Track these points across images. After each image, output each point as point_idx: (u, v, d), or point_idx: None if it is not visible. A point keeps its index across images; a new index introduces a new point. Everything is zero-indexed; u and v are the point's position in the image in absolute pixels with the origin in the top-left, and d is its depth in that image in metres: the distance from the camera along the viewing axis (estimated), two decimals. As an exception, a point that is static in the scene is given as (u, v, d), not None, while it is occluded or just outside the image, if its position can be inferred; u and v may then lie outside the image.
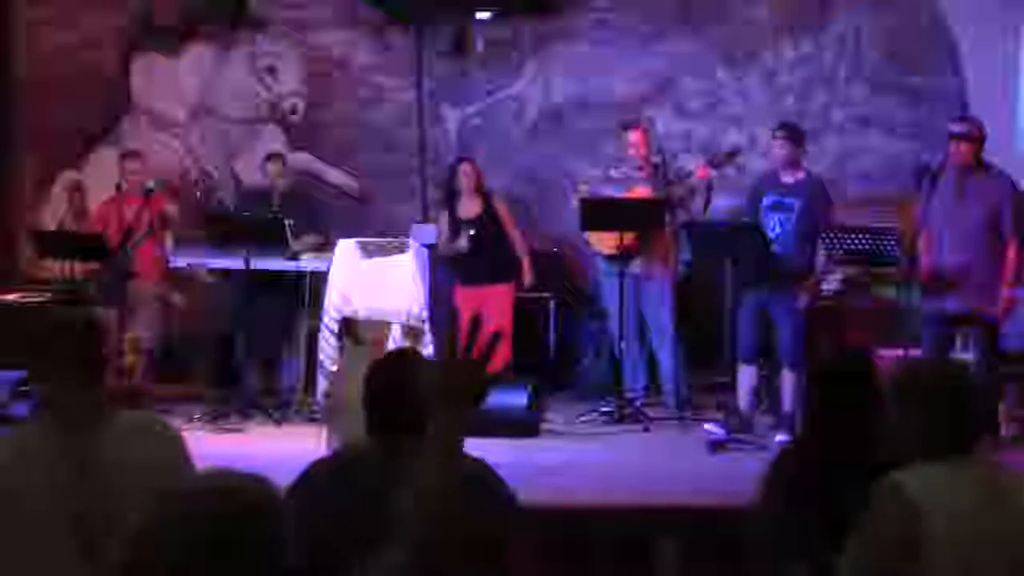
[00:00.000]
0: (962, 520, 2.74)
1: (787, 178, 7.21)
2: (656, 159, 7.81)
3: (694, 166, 7.82)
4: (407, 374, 2.96)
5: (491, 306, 7.74)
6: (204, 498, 1.75)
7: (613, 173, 7.91)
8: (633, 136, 7.79)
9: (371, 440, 2.99)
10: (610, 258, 7.70)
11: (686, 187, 7.65)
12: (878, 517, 2.79)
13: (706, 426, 7.05)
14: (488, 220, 8.06)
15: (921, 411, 2.86)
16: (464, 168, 8.11)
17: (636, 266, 7.69)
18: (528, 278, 8.16)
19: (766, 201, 7.22)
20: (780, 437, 6.90)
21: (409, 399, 2.96)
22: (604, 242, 7.70)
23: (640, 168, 7.77)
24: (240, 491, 1.76)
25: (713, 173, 7.66)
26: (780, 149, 7.21)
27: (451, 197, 8.12)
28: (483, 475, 3.00)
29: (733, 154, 7.79)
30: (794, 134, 7.27)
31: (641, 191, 7.67)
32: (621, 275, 7.56)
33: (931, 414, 2.84)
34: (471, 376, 1.97)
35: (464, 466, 1.96)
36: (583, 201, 7.62)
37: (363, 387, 3.01)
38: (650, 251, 7.66)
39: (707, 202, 7.66)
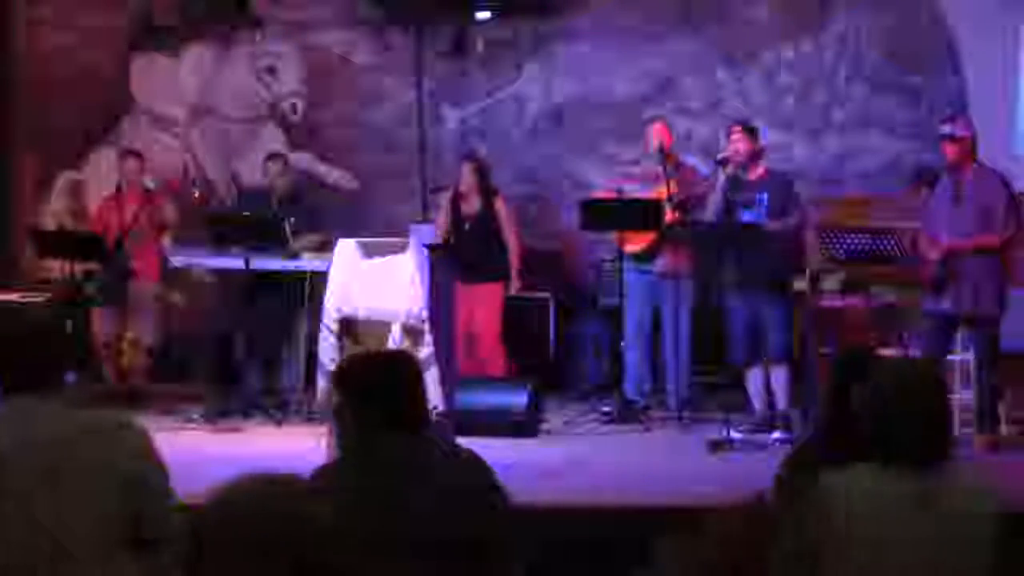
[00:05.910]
0: (878, 524, 2.70)
1: (750, 175, 7.25)
2: (683, 158, 7.92)
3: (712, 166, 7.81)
4: (399, 374, 2.99)
5: (481, 305, 7.94)
6: (247, 502, 1.76)
7: (635, 171, 7.90)
8: (656, 128, 7.72)
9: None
10: (635, 257, 7.67)
11: (704, 186, 7.63)
12: (797, 517, 2.78)
13: (733, 433, 6.86)
14: (485, 219, 8.09)
15: (879, 412, 2.84)
16: (464, 168, 8.17)
17: (658, 265, 7.68)
18: (515, 285, 8.14)
19: (736, 199, 7.26)
20: (776, 435, 6.91)
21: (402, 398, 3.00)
22: (630, 240, 7.64)
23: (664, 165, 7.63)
24: (279, 497, 1.77)
25: (732, 173, 7.64)
26: (739, 143, 7.22)
27: (456, 193, 8.18)
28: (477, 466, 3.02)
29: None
30: (749, 129, 7.32)
31: (664, 190, 7.52)
32: (642, 273, 7.58)
33: (890, 415, 2.82)
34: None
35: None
36: (583, 201, 7.62)
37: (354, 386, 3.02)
38: (673, 250, 7.57)
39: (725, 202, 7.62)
